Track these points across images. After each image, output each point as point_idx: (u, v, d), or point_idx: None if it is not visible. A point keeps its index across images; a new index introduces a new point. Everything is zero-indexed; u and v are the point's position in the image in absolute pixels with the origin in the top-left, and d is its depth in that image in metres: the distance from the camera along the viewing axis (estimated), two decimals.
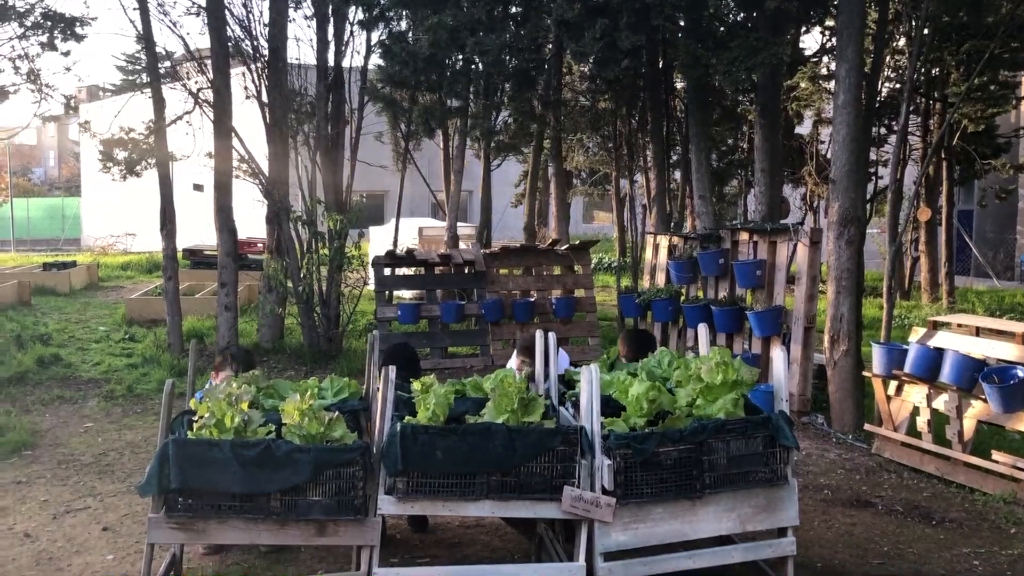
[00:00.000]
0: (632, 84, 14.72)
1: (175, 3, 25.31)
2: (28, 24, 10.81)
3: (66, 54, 11.26)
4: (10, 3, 10.60)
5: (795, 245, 8.68)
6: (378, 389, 4.42)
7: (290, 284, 11.39)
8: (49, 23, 10.91)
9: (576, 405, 4.52)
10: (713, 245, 9.68)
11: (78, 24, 11.09)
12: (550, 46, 14.49)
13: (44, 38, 11.00)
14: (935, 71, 15.78)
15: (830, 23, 13.90)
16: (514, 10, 13.42)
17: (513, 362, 6.19)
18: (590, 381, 4.27)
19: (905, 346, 7.28)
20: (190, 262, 19.57)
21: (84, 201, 38.29)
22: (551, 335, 5.04)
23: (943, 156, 17.22)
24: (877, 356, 7.43)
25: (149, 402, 9.22)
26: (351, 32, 12.73)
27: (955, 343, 6.96)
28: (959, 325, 7.27)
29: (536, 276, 11.67)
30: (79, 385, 9.93)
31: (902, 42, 15.79)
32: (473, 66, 13.63)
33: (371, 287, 11.80)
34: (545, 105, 14.71)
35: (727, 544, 4.60)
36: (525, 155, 19.95)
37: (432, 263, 11.51)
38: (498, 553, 5.36)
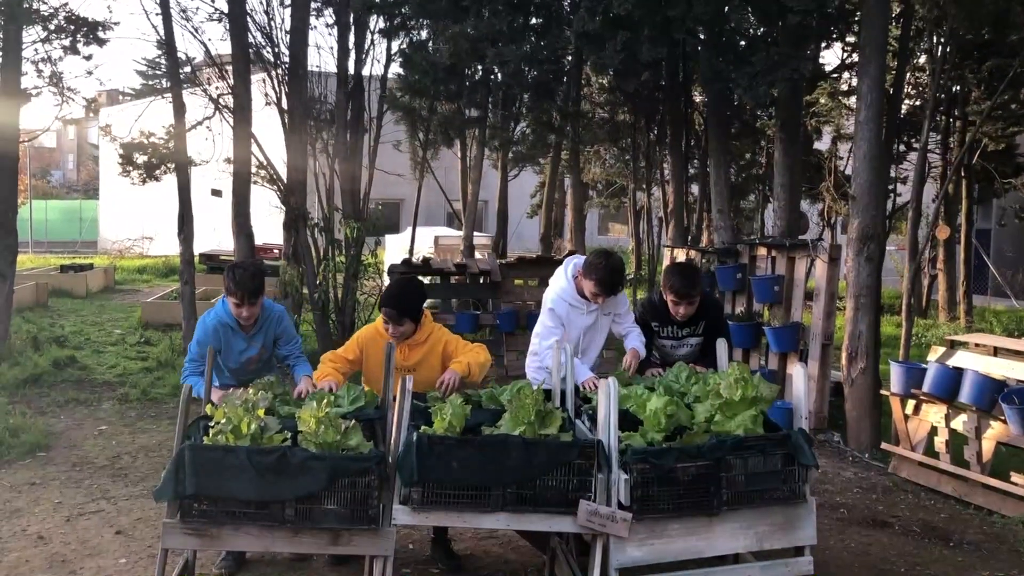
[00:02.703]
0: (651, 97, 14.69)
1: (197, 9, 25.66)
2: (52, 28, 10.86)
3: (88, 58, 11.30)
4: (34, 7, 10.66)
5: (813, 261, 8.63)
6: (394, 398, 4.41)
7: (306, 291, 11.40)
8: (72, 27, 10.96)
9: (593, 418, 4.49)
10: (731, 260, 9.64)
11: (101, 28, 11.13)
12: (570, 58, 14.48)
13: (67, 42, 11.04)
14: (956, 89, 15.70)
15: (851, 39, 13.85)
16: (535, 21, 13.42)
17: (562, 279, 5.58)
18: (608, 394, 4.24)
19: (924, 365, 7.22)
20: (207, 267, 19.66)
21: (102, 204, 38.50)
22: (568, 347, 5.01)
23: (963, 174, 17.12)
24: (895, 374, 7.38)
25: (163, 406, 9.24)
26: (372, 41, 12.78)
27: (974, 363, 6.90)
28: (977, 344, 7.21)
29: None
30: (94, 388, 9.96)
31: (923, 59, 15.73)
32: (492, 76, 13.63)
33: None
34: (564, 116, 14.67)
35: (739, 563, 4.56)
36: (542, 166, 19.95)
37: (448, 272, 11.48)
38: (511, 566, 5.33)
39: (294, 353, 5.61)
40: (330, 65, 12.90)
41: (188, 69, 12.89)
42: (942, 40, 11.03)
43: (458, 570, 5.24)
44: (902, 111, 14.96)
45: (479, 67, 13.31)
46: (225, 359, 5.51)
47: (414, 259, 12.19)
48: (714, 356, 5.57)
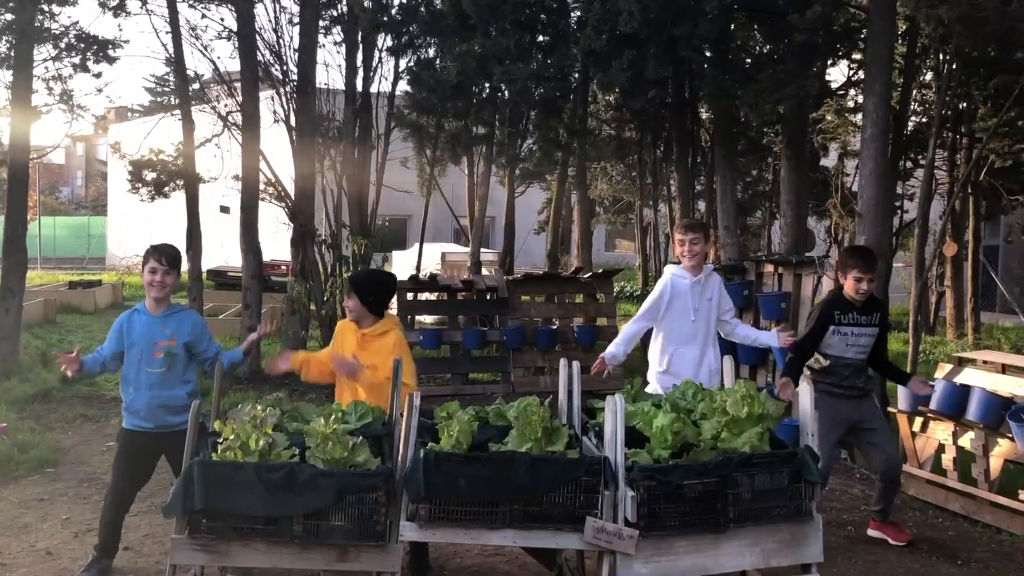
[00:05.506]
0: (658, 114, 14.75)
1: (206, 27, 25.69)
2: (62, 46, 10.97)
3: (98, 75, 11.40)
4: (45, 25, 10.76)
5: (820, 278, 8.63)
6: (402, 415, 4.42)
7: (313, 307, 11.44)
8: (82, 45, 11.06)
9: (599, 435, 4.50)
10: (737, 276, 9.64)
11: (110, 46, 11.24)
12: (576, 75, 14.57)
13: (77, 59, 11.15)
14: (963, 105, 15.72)
15: (857, 56, 13.90)
16: (541, 40, 13.52)
17: None
18: (615, 411, 4.25)
19: (931, 382, 7.20)
20: (214, 283, 19.71)
21: (110, 220, 38.61)
22: (575, 364, 5.02)
23: (970, 191, 17.12)
24: (902, 392, 7.33)
25: None
26: (379, 58, 12.91)
27: (982, 380, 6.88)
28: (985, 362, 7.18)
29: (558, 304, 11.65)
30: (102, 404, 9.99)
31: (929, 76, 15.75)
32: (500, 94, 13.72)
33: (393, 312, 11.82)
34: (570, 133, 14.75)
35: None
36: (549, 182, 20.03)
37: (455, 289, 11.52)
38: None
39: (218, 348, 5.45)
40: (338, 83, 12.99)
41: (197, 86, 12.97)
42: (948, 57, 11.04)
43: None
44: (908, 128, 14.98)
45: (486, 85, 13.40)
46: (129, 338, 5.30)
47: (421, 275, 12.22)
48: (881, 355, 6.13)
